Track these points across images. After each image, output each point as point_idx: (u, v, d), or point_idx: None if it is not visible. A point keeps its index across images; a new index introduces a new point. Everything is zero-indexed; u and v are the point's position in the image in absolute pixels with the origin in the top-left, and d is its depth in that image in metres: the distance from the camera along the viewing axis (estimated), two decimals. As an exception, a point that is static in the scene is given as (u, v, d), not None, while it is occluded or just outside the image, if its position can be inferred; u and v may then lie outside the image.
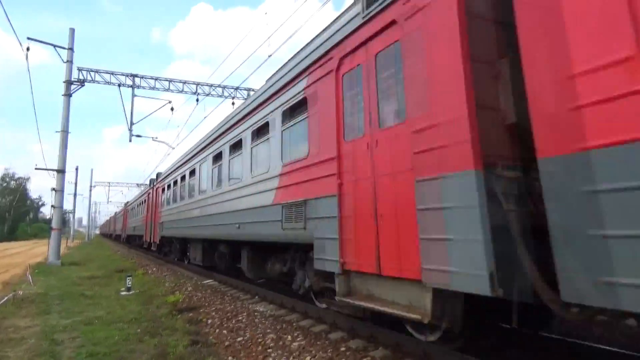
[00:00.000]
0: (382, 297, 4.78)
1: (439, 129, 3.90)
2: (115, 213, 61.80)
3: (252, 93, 10.53)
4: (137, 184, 62.69)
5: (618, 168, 2.65)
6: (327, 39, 6.01)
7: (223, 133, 10.73)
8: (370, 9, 5.05)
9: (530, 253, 3.30)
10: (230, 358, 5.32)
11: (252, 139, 8.62)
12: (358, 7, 5.35)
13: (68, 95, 20.04)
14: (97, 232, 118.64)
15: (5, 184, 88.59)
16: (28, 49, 18.77)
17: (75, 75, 20.58)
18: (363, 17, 5.17)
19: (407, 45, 4.41)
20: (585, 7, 2.88)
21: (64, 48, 20.01)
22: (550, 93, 3.09)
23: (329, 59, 5.88)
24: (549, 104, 3.11)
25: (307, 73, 6.48)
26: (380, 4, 4.86)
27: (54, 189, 20.06)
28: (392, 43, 4.71)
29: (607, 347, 4.85)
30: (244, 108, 9.25)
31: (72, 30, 20.33)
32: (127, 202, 42.16)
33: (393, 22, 4.65)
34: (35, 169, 22.98)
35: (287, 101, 7.13)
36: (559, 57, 3.04)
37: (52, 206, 20.28)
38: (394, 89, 4.71)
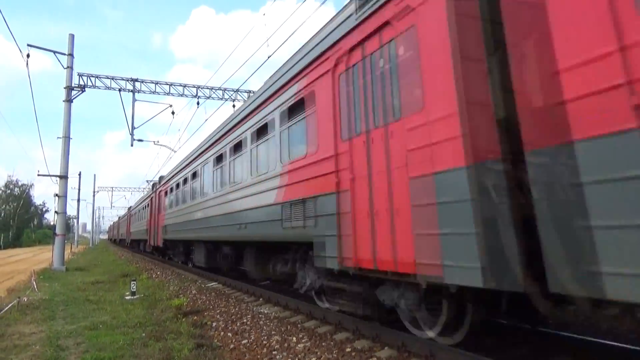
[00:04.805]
0: None
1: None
2: (129, 208, 45.57)
3: (252, 94, 10.58)
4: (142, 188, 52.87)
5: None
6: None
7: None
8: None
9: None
10: (235, 361, 5.29)
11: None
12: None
13: (69, 101, 20.07)
14: (104, 237, 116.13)
15: (9, 191, 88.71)
16: (28, 55, 18.80)
17: (75, 81, 20.64)
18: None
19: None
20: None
21: (64, 54, 20.05)
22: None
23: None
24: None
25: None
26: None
27: (56, 195, 20.09)
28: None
29: (614, 343, 4.80)
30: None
31: (72, 36, 20.36)
32: (162, 177, 23.67)
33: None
34: (38, 175, 23.19)
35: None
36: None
37: (55, 212, 20.30)
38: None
